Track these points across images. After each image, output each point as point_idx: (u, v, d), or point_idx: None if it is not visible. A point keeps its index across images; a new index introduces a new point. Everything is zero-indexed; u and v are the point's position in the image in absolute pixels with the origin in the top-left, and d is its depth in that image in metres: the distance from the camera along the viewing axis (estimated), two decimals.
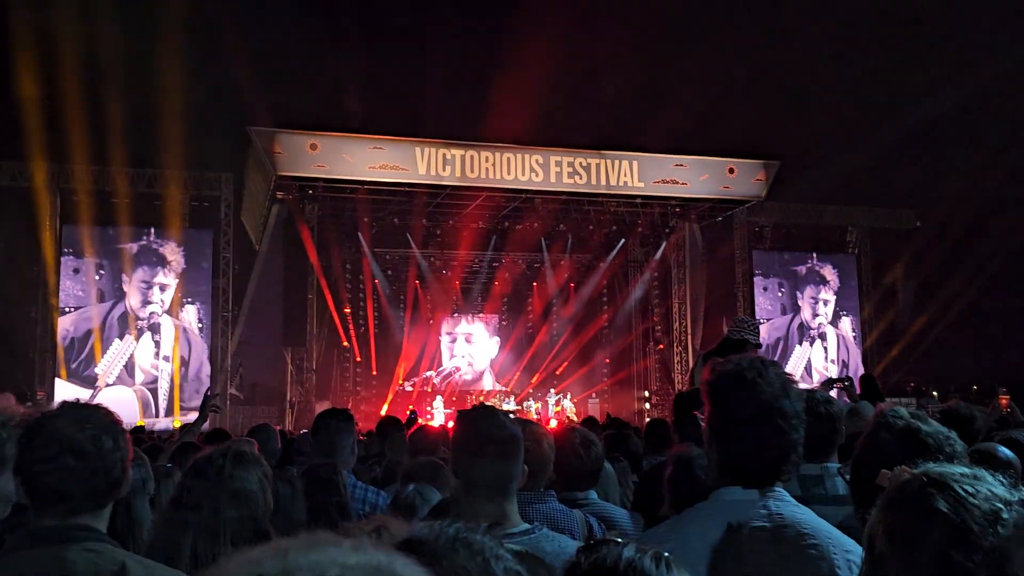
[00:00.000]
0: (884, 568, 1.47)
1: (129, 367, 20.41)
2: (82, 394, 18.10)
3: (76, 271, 20.44)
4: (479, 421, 2.48)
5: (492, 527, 1.40)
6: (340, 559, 0.59)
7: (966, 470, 1.48)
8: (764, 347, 23.64)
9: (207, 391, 6.07)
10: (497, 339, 25.41)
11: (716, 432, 2.26)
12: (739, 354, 2.37)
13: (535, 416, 19.81)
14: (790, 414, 2.17)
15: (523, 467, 2.52)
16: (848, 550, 2.04)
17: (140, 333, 20.55)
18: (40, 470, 2.10)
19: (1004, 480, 1.46)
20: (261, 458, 2.73)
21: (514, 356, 25.35)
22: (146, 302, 20.65)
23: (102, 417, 2.20)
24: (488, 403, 20.96)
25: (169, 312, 20.84)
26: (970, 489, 1.43)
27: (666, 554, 1.47)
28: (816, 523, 2.13)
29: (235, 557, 0.60)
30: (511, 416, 2.58)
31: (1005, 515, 1.39)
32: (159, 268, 20.84)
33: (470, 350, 25.05)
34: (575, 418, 19.54)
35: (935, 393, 21.35)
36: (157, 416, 20.13)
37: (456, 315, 25.31)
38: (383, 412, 19.65)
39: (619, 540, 1.49)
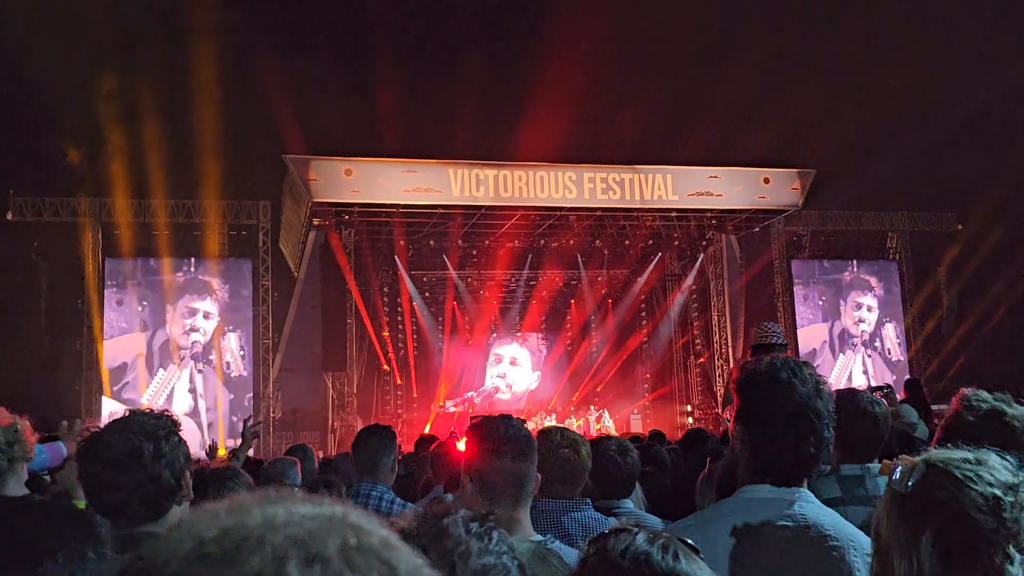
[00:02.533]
0: (888, 558, 1.45)
1: (173, 396, 20.66)
2: None
3: (119, 303, 20.77)
4: (495, 423, 2.51)
5: (486, 518, 1.39)
6: (293, 509, 0.60)
7: (969, 455, 1.45)
8: (811, 353, 23.49)
9: (247, 418, 6.14)
10: (538, 373, 25.41)
11: (747, 430, 2.25)
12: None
13: None
14: (823, 414, 2.17)
15: (536, 473, 2.52)
16: (869, 552, 2.02)
17: (183, 362, 20.81)
18: (92, 486, 2.16)
19: (1011, 462, 1.44)
20: None
21: (554, 374, 25.30)
22: (190, 330, 20.92)
23: (145, 424, 2.20)
24: (528, 421, 20.96)
25: (211, 342, 21.10)
26: (971, 474, 1.41)
27: (678, 542, 1.44)
28: (839, 524, 2.13)
29: (198, 512, 0.61)
30: (524, 423, 2.58)
31: (1006, 499, 1.37)
32: (202, 296, 21.13)
33: (511, 371, 25.02)
34: (615, 434, 19.40)
35: None
36: (204, 439, 20.40)
37: (495, 335, 25.33)
38: (425, 433, 19.65)
39: (631, 529, 1.46)
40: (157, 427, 2.21)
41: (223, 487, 3.37)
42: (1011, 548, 1.36)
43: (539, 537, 2.42)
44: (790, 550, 2.05)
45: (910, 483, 1.45)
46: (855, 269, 25.06)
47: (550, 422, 20.80)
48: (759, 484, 2.19)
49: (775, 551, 2.04)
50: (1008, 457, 1.46)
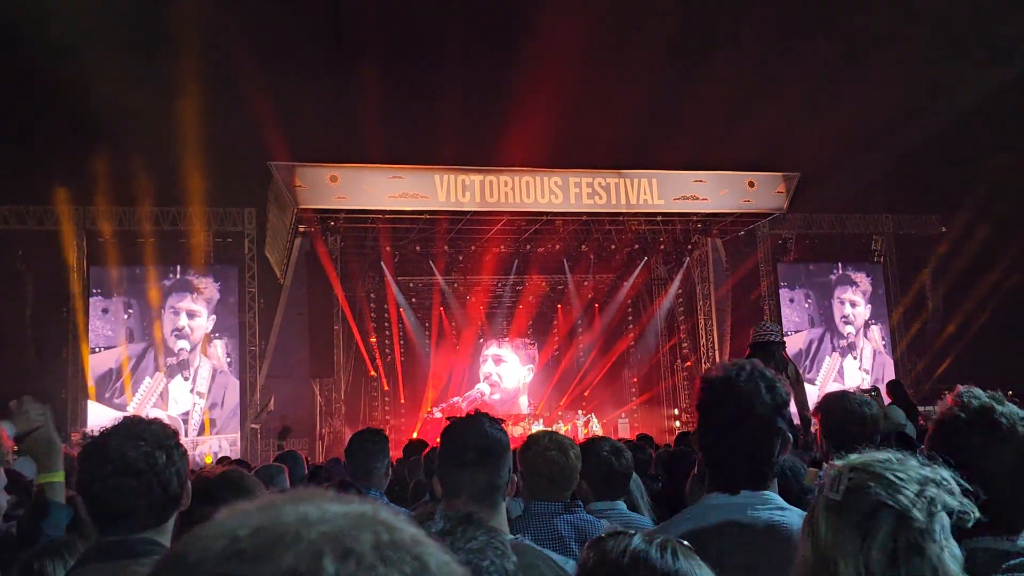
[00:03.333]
0: (830, 566, 1.46)
1: (161, 403, 20.58)
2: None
3: (105, 311, 20.69)
4: (461, 429, 2.46)
5: (465, 520, 1.38)
6: (325, 507, 0.62)
7: (890, 456, 1.50)
8: (798, 354, 23.56)
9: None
10: (531, 366, 25.37)
11: (700, 439, 2.28)
12: (764, 355, 2.36)
13: None
14: (764, 421, 2.15)
15: (511, 476, 2.48)
16: None
17: (170, 370, 20.72)
18: (98, 490, 2.14)
19: (920, 459, 1.49)
20: None
21: (542, 379, 25.31)
22: (175, 330, 20.83)
23: (155, 432, 2.21)
24: (516, 426, 20.94)
25: (198, 349, 21.02)
26: (901, 474, 1.45)
27: (675, 542, 1.45)
28: (793, 522, 2.11)
29: (228, 510, 0.63)
30: (498, 424, 2.54)
31: (930, 493, 1.42)
32: (188, 304, 21.05)
33: (497, 371, 25.00)
34: None
35: None
36: (187, 436, 20.36)
37: (483, 340, 25.31)
38: (414, 439, 19.62)
39: (627, 532, 1.47)
40: (165, 435, 2.22)
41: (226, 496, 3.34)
42: (940, 538, 1.41)
43: (511, 536, 2.40)
44: (740, 548, 2.06)
45: (841, 489, 1.47)
46: (840, 271, 25.19)
47: (538, 427, 20.80)
48: (719, 492, 2.21)
49: (724, 551, 2.04)
50: (917, 455, 1.52)
